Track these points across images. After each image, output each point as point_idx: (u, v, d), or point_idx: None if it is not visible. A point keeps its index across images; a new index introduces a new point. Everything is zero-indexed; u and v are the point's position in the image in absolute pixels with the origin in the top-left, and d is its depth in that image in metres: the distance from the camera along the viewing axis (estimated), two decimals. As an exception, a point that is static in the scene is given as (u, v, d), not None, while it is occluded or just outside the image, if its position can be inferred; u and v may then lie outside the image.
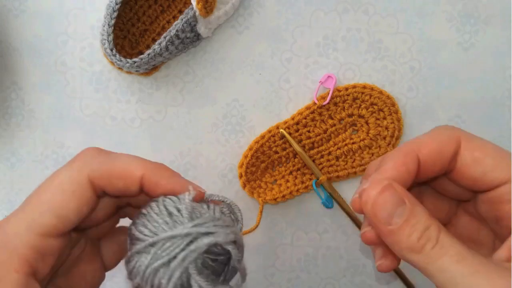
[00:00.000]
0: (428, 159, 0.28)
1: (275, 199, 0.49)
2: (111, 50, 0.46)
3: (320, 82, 0.50)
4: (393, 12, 0.50)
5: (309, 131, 0.50)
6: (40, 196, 0.27)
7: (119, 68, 0.49)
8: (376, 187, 0.26)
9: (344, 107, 0.50)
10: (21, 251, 0.24)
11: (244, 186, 0.50)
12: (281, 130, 0.49)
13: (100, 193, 0.28)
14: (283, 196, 0.49)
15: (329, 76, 0.50)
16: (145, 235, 0.27)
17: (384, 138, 0.49)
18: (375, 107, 0.49)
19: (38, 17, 0.50)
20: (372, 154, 0.50)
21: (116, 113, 0.51)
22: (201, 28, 0.47)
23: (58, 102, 0.51)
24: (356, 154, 0.50)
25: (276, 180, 0.51)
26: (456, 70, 0.51)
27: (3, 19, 0.50)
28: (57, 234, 0.26)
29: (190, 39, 0.47)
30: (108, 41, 0.45)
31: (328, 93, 0.49)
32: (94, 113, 0.51)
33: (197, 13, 0.45)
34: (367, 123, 0.50)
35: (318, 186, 0.50)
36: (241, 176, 0.50)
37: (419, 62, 0.50)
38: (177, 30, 0.45)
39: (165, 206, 0.28)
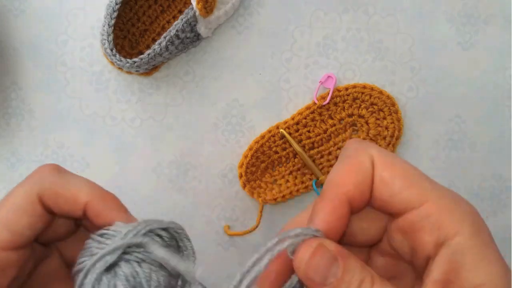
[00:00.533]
0: (356, 194, 0.27)
1: (275, 199, 0.49)
2: (111, 50, 0.46)
3: (320, 82, 0.50)
4: (393, 12, 0.50)
5: (309, 131, 0.50)
6: None
7: (119, 68, 0.49)
8: (307, 250, 0.25)
9: (344, 107, 0.50)
10: None
11: (244, 186, 0.50)
12: (281, 130, 0.49)
13: (48, 213, 0.29)
14: (283, 196, 0.49)
15: (329, 76, 0.50)
16: (82, 262, 0.27)
17: (384, 138, 0.49)
18: (375, 107, 0.49)
19: (38, 17, 0.50)
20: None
21: (116, 113, 0.51)
22: (201, 28, 0.47)
23: (58, 102, 0.51)
24: None
25: (276, 180, 0.51)
26: (456, 70, 0.51)
27: (3, 19, 0.50)
28: (13, 247, 0.27)
29: (190, 39, 0.47)
30: (108, 41, 0.45)
31: (328, 93, 0.49)
32: (94, 113, 0.51)
33: (197, 13, 0.45)
34: (367, 123, 0.50)
35: (318, 186, 0.50)
36: (241, 176, 0.50)
37: (419, 62, 0.50)
38: (177, 30, 0.45)
39: (98, 242, 0.28)
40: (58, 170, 0.29)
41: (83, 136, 0.51)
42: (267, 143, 0.50)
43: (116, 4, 0.46)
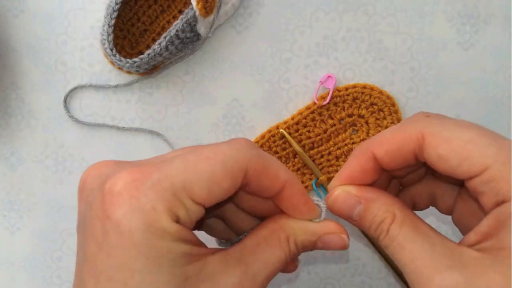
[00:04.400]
0: (385, 157, 0.29)
1: None
2: (111, 50, 0.46)
3: (320, 82, 0.50)
4: (393, 12, 0.50)
5: (309, 131, 0.50)
6: (200, 167, 0.26)
7: (119, 68, 0.49)
8: (331, 194, 0.31)
9: (344, 107, 0.50)
10: (168, 198, 0.25)
11: None
12: (281, 130, 0.49)
13: (241, 184, 0.28)
14: None
15: (329, 76, 0.50)
16: None
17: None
18: (375, 107, 0.49)
19: (38, 17, 0.50)
20: None
21: (116, 113, 0.51)
22: (201, 28, 0.47)
23: (58, 102, 0.51)
24: None
25: None
26: (456, 70, 0.51)
27: (3, 19, 0.50)
28: (200, 202, 0.27)
29: (190, 39, 0.47)
30: (108, 41, 0.45)
31: (328, 93, 0.49)
32: (94, 113, 0.51)
33: (197, 13, 0.45)
34: (367, 123, 0.50)
35: (318, 186, 0.50)
36: None
37: (419, 62, 0.50)
38: (177, 30, 0.45)
39: None
40: (256, 147, 0.30)
41: (83, 136, 0.51)
42: (267, 143, 0.50)
43: (116, 4, 0.46)
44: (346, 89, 0.49)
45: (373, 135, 0.50)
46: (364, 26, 0.50)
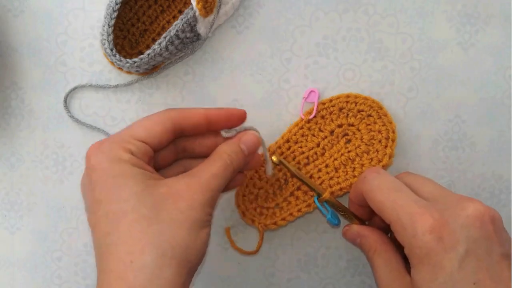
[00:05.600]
0: (355, 201, 0.48)
1: (274, 223, 0.49)
2: (111, 50, 0.46)
3: (304, 98, 0.50)
4: (393, 12, 0.50)
5: (301, 147, 0.50)
6: (138, 123, 0.41)
7: (119, 68, 0.49)
8: (345, 228, 0.49)
9: (332, 119, 0.50)
10: (119, 142, 0.39)
11: (243, 215, 0.49)
12: (274, 158, 0.47)
13: (176, 133, 0.41)
14: (283, 219, 0.49)
15: (312, 91, 0.50)
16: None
17: (380, 141, 0.49)
18: (363, 113, 0.49)
19: (38, 17, 0.50)
20: (372, 159, 0.49)
21: (116, 113, 0.51)
22: (201, 28, 0.47)
23: (58, 102, 0.51)
24: (355, 162, 0.49)
25: (277, 204, 0.50)
26: (456, 70, 0.51)
27: (2, 19, 0.50)
28: (143, 140, 0.39)
29: (190, 39, 0.47)
30: (108, 41, 0.46)
31: (313, 108, 0.49)
32: (94, 113, 0.51)
33: (197, 13, 0.45)
34: (358, 130, 0.50)
35: (321, 202, 0.47)
36: (238, 206, 0.50)
37: (419, 62, 0.50)
38: (177, 30, 0.45)
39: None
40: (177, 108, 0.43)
41: (83, 136, 0.51)
42: (262, 168, 0.49)
43: (116, 4, 0.46)
44: (331, 100, 0.49)
45: (368, 140, 0.49)
46: (364, 26, 0.50)
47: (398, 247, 0.43)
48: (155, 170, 0.41)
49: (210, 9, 0.46)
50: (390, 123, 0.49)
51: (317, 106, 0.50)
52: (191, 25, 0.46)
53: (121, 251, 0.34)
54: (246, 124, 0.44)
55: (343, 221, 0.49)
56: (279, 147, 0.50)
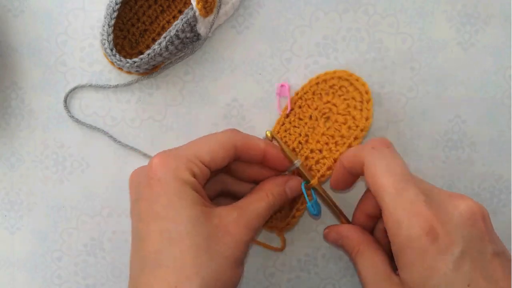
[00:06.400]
0: (347, 167, 0.44)
1: (288, 225, 0.49)
2: (111, 50, 0.46)
3: (277, 94, 0.50)
4: (393, 12, 0.50)
5: (286, 142, 0.49)
6: (204, 142, 0.42)
7: (119, 68, 0.49)
8: (325, 231, 0.48)
9: (308, 105, 0.49)
10: (186, 162, 0.40)
11: (267, 225, 0.50)
12: (268, 133, 0.46)
13: (234, 156, 0.42)
14: (293, 217, 0.48)
15: (282, 85, 0.50)
16: None
17: (355, 107, 0.47)
18: (335, 87, 0.48)
19: (37, 17, 0.50)
20: (349, 127, 0.47)
21: (116, 113, 0.51)
22: (201, 28, 0.47)
23: (58, 102, 0.51)
24: (337, 136, 0.47)
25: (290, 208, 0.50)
26: (456, 70, 0.51)
27: (2, 19, 0.50)
28: (206, 165, 0.40)
29: (190, 39, 0.47)
30: (108, 41, 0.46)
31: (287, 102, 0.49)
32: (94, 113, 0.51)
33: (197, 13, 0.45)
34: (334, 105, 0.48)
35: (308, 189, 0.46)
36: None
37: (419, 62, 0.50)
38: (177, 30, 0.45)
39: None
40: (241, 132, 0.44)
41: (83, 136, 0.51)
42: None
43: (116, 4, 0.46)
44: (303, 88, 0.49)
45: (344, 109, 0.48)
46: (364, 26, 0.50)
47: (384, 246, 0.43)
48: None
49: (210, 9, 0.46)
50: (363, 85, 0.47)
51: (292, 99, 0.49)
52: (191, 25, 0.46)
53: (170, 273, 0.36)
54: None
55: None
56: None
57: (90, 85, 0.51)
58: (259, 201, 0.42)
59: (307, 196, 0.46)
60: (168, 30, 0.46)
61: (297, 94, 0.50)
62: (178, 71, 0.51)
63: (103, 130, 0.51)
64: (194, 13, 0.45)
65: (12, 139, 0.52)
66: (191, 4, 0.45)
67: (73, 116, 0.51)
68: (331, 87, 0.49)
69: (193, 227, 0.37)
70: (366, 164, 0.40)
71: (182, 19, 0.45)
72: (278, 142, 0.46)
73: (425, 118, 0.51)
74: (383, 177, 0.38)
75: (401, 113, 0.51)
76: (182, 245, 0.36)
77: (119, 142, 0.51)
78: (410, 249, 0.36)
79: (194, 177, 0.39)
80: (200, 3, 0.44)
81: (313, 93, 0.49)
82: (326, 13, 0.50)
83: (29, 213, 0.52)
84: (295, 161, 0.46)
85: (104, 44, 0.46)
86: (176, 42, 0.46)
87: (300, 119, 0.49)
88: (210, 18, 0.47)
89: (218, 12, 0.47)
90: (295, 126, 0.50)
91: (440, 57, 0.50)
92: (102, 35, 0.46)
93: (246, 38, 0.51)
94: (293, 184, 0.45)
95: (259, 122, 0.51)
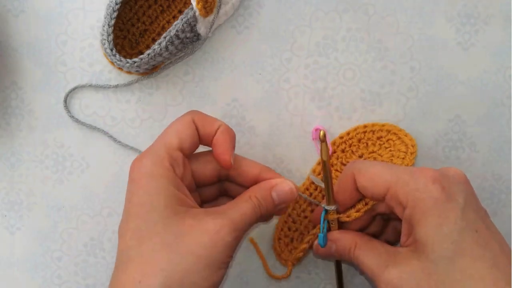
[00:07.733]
0: (340, 193, 0.45)
1: (298, 259, 0.49)
2: (111, 50, 0.46)
3: (313, 138, 0.50)
4: (393, 12, 0.50)
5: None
6: (168, 128, 0.42)
7: (119, 68, 0.49)
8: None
9: (352, 151, 0.50)
10: (162, 157, 0.40)
11: (279, 257, 0.50)
12: (310, 176, 0.47)
13: (198, 134, 0.42)
14: (303, 249, 0.48)
15: (316, 129, 0.50)
16: None
17: (398, 157, 0.47)
18: (383, 139, 0.49)
19: (37, 17, 0.50)
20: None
21: (116, 113, 0.51)
22: (201, 28, 0.47)
23: (58, 102, 0.51)
24: None
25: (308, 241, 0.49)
26: (456, 70, 0.51)
27: (2, 19, 0.50)
28: (180, 149, 0.41)
29: (190, 39, 0.47)
30: (108, 41, 0.46)
31: (329, 145, 0.49)
32: (94, 113, 0.51)
33: (197, 13, 0.45)
34: (380, 155, 0.49)
35: (324, 219, 0.45)
36: (275, 249, 0.50)
37: (419, 62, 0.51)
38: (177, 30, 0.45)
39: None
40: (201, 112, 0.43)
41: (83, 136, 0.51)
42: (294, 211, 0.50)
43: (116, 4, 0.46)
44: (348, 133, 0.50)
45: (387, 158, 0.48)
46: (364, 26, 0.50)
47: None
48: (196, 187, 0.43)
49: (210, 9, 0.46)
50: (411, 140, 0.48)
51: (335, 141, 0.50)
52: (191, 25, 0.46)
53: (136, 269, 0.36)
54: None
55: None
56: (307, 189, 0.50)
57: (90, 85, 0.51)
58: (242, 203, 0.41)
59: (322, 228, 0.45)
60: (168, 30, 0.46)
61: (341, 137, 0.50)
62: (178, 71, 0.51)
63: (103, 130, 0.51)
64: (194, 13, 0.45)
65: (12, 139, 0.52)
66: (191, 4, 0.45)
67: (73, 116, 0.51)
68: (378, 138, 0.49)
69: (163, 226, 0.37)
70: (356, 171, 0.43)
71: (182, 19, 0.45)
72: (319, 182, 0.46)
73: (425, 118, 0.51)
74: (372, 168, 0.42)
75: (401, 113, 0.51)
76: (151, 243, 0.37)
77: (119, 142, 0.51)
78: (422, 200, 0.38)
79: (172, 167, 0.39)
80: (200, 3, 0.45)
81: (359, 141, 0.50)
82: (326, 13, 0.50)
83: (29, 213, 0.52)
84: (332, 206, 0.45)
85: (104, 44, 0.46)
86: (176, 42, 0.46)
87: (343, 164, 0.50)
88: (210, 18, 0.47)
89: (218, 12, 0.47)
90: (336, 170, 0.50)
91: (440, 57, 0.50)
92: (102, 35, 0.46)
93: (246, 38, 0.51)
94: (281, 189, 0.42)
95: (259, 122, 0.51)
